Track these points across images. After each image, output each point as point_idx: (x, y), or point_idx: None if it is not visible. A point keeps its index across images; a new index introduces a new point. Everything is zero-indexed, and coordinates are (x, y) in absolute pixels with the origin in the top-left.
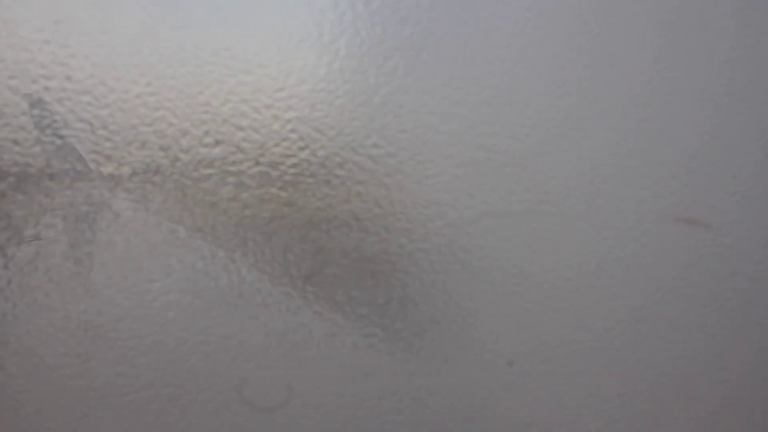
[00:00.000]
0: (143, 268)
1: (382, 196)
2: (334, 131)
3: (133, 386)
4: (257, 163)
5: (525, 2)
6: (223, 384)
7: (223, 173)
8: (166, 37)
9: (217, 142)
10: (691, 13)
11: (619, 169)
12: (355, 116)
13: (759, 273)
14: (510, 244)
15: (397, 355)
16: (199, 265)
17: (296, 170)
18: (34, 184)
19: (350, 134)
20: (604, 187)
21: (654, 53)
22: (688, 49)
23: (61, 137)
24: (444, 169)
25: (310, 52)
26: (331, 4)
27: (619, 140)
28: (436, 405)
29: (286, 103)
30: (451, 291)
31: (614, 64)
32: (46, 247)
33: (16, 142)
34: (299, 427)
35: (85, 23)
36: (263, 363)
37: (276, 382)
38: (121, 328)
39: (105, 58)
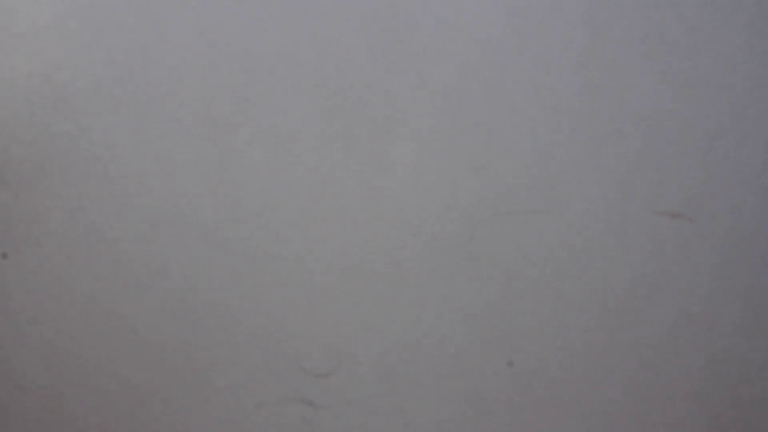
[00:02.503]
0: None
1: None
2: None
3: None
4: None
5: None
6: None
7: None
8: None
9: None
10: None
11: (603, 166)
12: None
13: (741, 265)
14: (503, 242)
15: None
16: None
17: None
18: None
19: None
20: (588, 184)
21: (641, 55)
22: (678, 50)
23: None
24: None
25: None
26: None
27: (603, 139)
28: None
29: None
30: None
31: (603, 67)
32: None
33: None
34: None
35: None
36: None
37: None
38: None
39: None
